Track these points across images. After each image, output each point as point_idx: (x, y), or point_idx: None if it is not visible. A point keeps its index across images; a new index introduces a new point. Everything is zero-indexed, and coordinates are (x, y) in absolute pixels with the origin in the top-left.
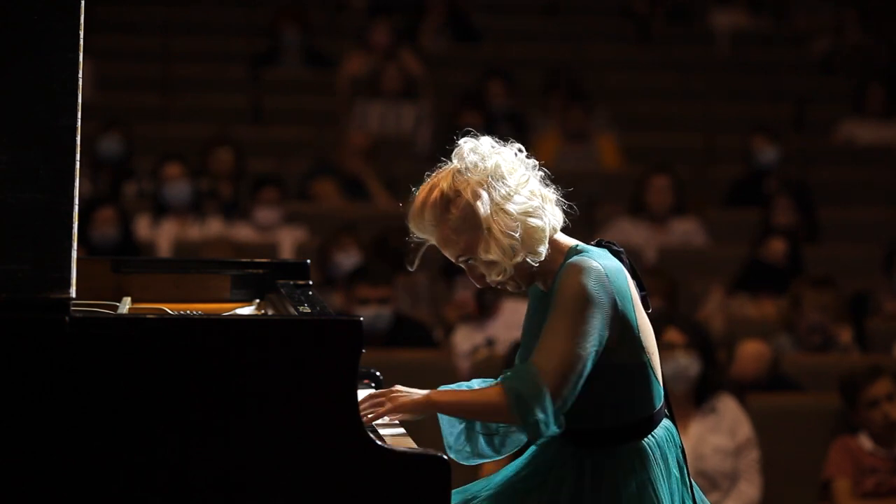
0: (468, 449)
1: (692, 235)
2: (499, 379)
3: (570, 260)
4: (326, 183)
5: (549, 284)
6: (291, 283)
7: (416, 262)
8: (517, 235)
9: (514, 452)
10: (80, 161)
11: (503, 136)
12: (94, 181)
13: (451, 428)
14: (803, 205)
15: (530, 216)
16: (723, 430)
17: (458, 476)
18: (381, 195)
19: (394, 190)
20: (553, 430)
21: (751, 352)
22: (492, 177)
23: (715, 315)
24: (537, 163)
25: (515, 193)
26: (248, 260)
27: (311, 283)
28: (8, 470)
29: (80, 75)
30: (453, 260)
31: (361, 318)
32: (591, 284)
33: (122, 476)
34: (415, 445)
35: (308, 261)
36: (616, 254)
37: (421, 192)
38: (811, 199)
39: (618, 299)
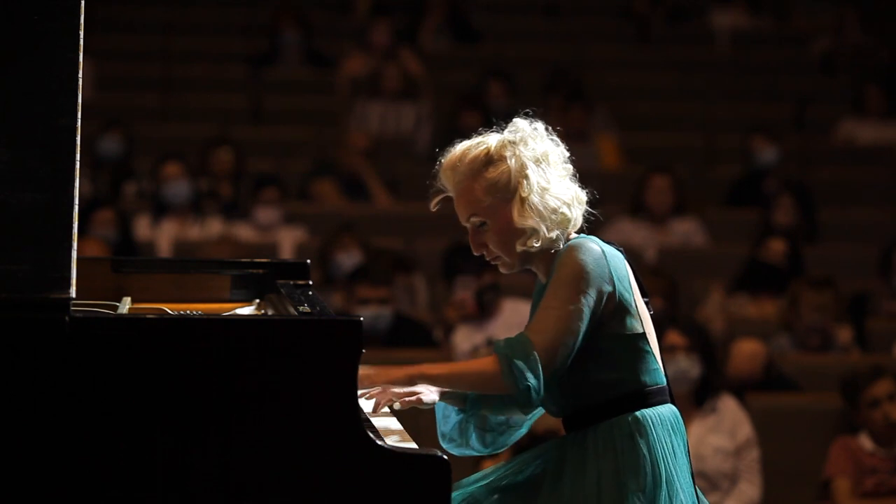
0: (459, 440)
1: (692, 235)
2: (492, 348)
3: (570, 241)
4: (326, 183)
5: (548, 272)
6: (291, 283)
7: (435, 205)
8: (557, 212)
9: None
10: (80, 161)
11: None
12: (94, 181)
13: (445, 418)
14: (803, 205)
15: (565, 205)
16: (723, 430)
17: (458, 475)
18: (381, 195)
19: (394, 190)
20: (538, 399)
21: (746, 351)
22: (541, 157)
23: (715, 315)
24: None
25: (555, 182)
26: (248, 260)
27: (311, 283)
28: (8, 470)
29: (80, 75)
30: (463, 219)
31: (361, 318)
32: (588, 261)
33: (123, 476)
34: (415, 445)
35: (308, 261)
36: (617, 250)
37: (464, 145)
38: (811, 199)
39: (615, 277)
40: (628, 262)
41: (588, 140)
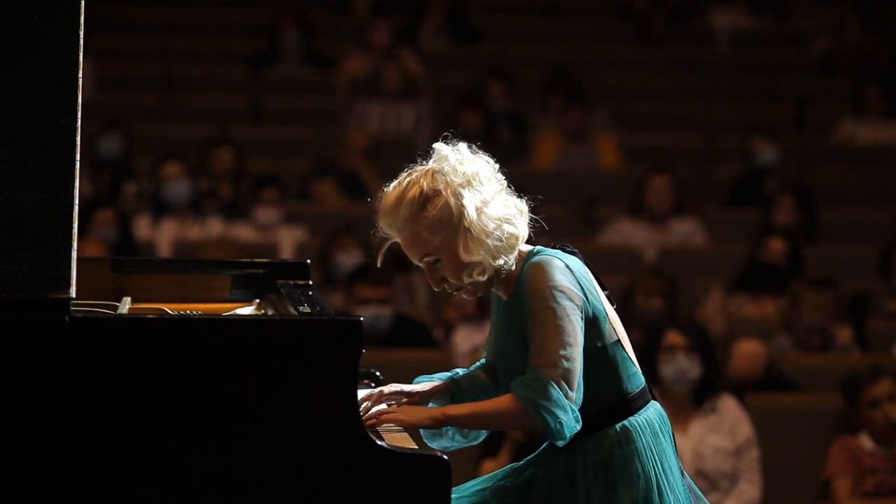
0: (439, 432)
1: (692, 235)
2: (511, 390)
3: (531, 261)
4: (326, 183)
5: (510, 291)
6: (291, 283)
7: (381, 259)
8: (500, 238)
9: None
10: (80, 161)
11: (503, 136)
12: (94, 181)
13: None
14: (803, 205)
15: (507, 222)
16: (723, 430)
17: (458, 476)
18: None
19: None
20: (575, 427)
21: (747, 351)
22: (472, 180)
23: (715, 315)
24: (500, 174)
25: (492, 200)
26: (248, 260)
27: (311, 283)
28: (8, 470)
29: (80, 75)
30: (416, 260)
31: (361, 318)
32: (558, 276)
33: (123, 476)
34: (415, 445)
35: (308, 261)
36: (572, 254)
37: (396, 188)
38: (811, 199)
39: (584, 288)
40: (585, 260)
41: (588, 140)
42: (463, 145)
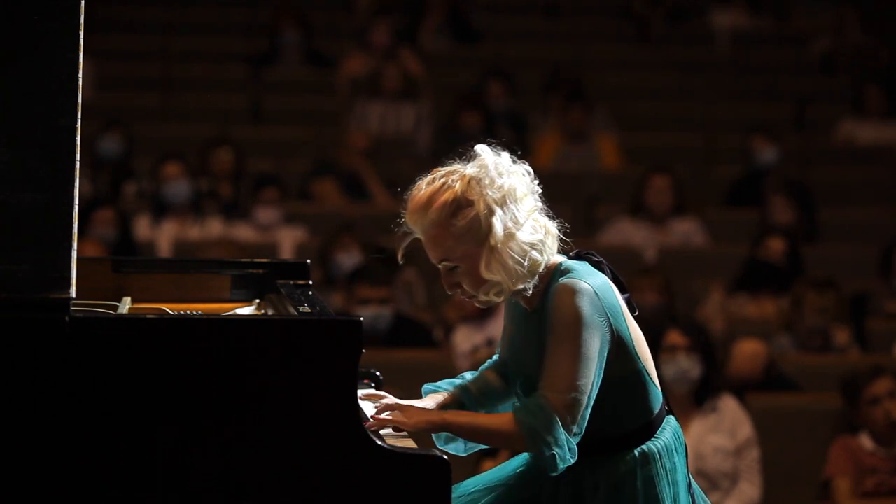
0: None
1: (692, 235)
2: (513, 411)
3: (561, 282)
4: (326, 183)
5: (533, 304)
6: (291, 283)
7: (401, 254)
8: (524, 265)
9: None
10: (80, 161)
11: (503, 136)
12: (94, 181)
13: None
14: (803, 205)
15: (534, 248)
16: (723, 430)
17: (458, 475)
18: (382, 195)
19: (394, 190)
20: (569, 461)
21: (747, 351)
22: (508, 197)
23: (715, 315)
24: (538, 188)
25: (525, 222)
26: (248, 260)
27: (311, 283)
28: (8, 470)
29: (80, 75)
30: (434, 261)
31: (361, 318)
32: (586, 307)
33: (123, 476)
34: (415, 445)
35: (308, 261)
36: (597, 265)
37: (429, 188)
38: (811, 199)
39: (611, 316)
40: (609, 269)
41: (588, 140)
42: (506, 154)
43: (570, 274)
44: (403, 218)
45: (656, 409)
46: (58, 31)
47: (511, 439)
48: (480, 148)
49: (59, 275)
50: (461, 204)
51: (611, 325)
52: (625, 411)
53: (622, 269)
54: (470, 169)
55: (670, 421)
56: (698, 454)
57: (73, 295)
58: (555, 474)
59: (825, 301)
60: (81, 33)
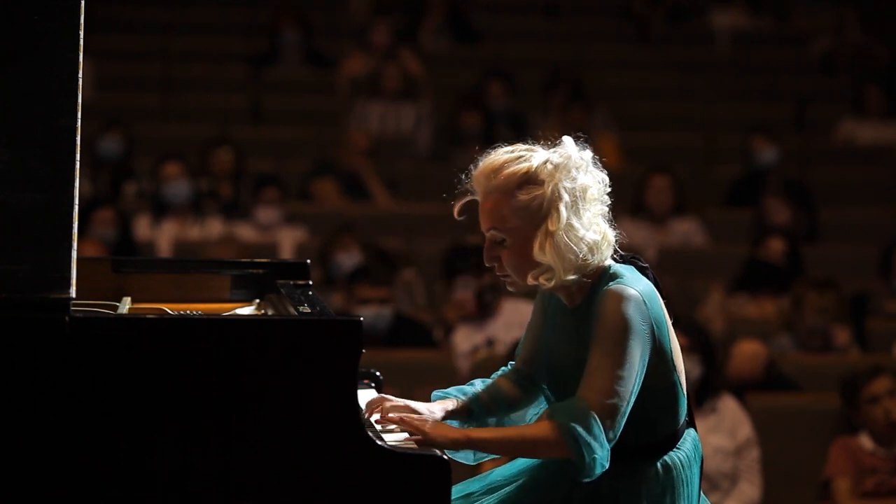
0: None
1: (692, 235)
2: (548, 415)
3: (610, 286)
4: (326, 183)
5: (575, 301)
6: (291, 283)
7: (458, 210)
8: (578, 256)
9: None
10: (80, 161)
11: (503, 136)
12: (94, 181)
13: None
14: (803, 205)
15: (589, 248)
16: (723, 430)
17: (458, 475)
18: (382, 195)
19: (394, 190)
20: (605, 467)
21: (747, 352)
22: (579, 192)
23: (715, 315)
24: (607, 199)
25: (588, 222)
26: (248, 260)
27: (311, 283)
28: (8, 470)
29: (80, 75)
30: (484, 228)
31: (361, 318)
32: (632, 314)
33: (122, 476)
34: (415, 445)
35: (308, 261)
36: (643, 270)
37: (506, 155)
38: (811, 199)
39: (655, 327)
40: (653, 275)
41: (588, 140)
42: (588, 153)
43: (620, 280)
44: (470, 176)
45: (682, 419)
46: (58, 31)
47: (550, 446)
48: (567, 139)
49: (59, 275)
50: (531, 180)
51: (654, 334)
52: (657, 421)
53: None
54: (553, 154)
55: (691, 433)
56: None
57: (73, 295)
58: (588, 480)
59: (826, 301)
60: (81, 33)
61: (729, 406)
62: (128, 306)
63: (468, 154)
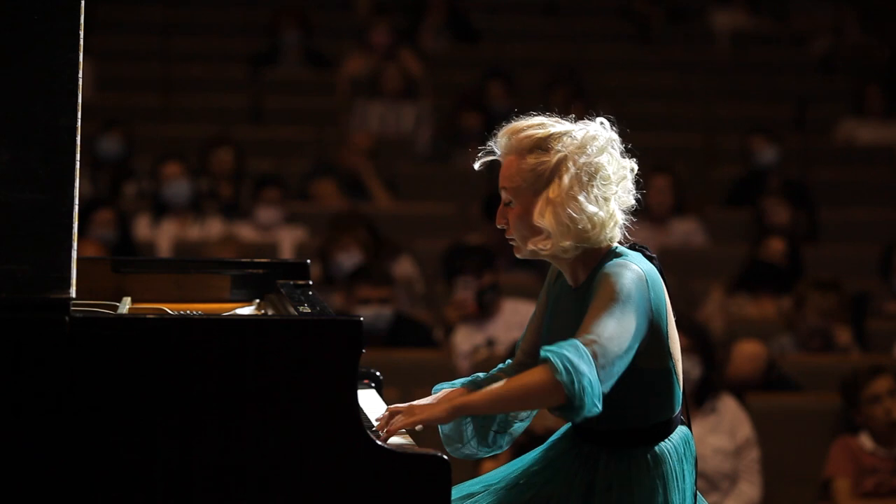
0: (459, 440)
1: (692, 235)
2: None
3: (612, 262)
4: (326, 183)
5: (579, 280)
6: (291, 283)
7: (479, 164)
8: (575, 224)
9: (513, 451)
10: (80, 161)
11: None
12: (94, 181)
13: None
14: (803, 205)
15: (591, 221)
16: (723, 430)
17: (458, 475)
18: (382, 195)
19: (394, 190)
20: (596, 407)
21: (747, 352)
22: (590, 167)
23: (715, 315)
24: (634, 190)
25: (594, 196)
26: (248, 260)
27: (311, 283)
28: (8, 470)
29: (80, 75)
30: (500, 186)
31: (361, 318)
32: (632, 286)
33: (122, 476)
34: (415, 445)
35: (308, 261)
36: (650, 259)
37: (535, 120)
38: (811, 199)
39: (653, 305)
40: (659, 267)
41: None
42: (618, 141)
43: (624, 257)
44: (496, 136)
45: (676, 411)
46: (58, 31)
47: (541, 385)
48: (600, 121)
49: (59, 275)
50: (542, 146)
51: (652, 313)
52: (650, 406)
53: None
54: (577, 129)
55: (684, 429)
56: (698, 454)
57: (73, 295)
58: (582, 416)
59: (827, 302)
60: (81, 33)
61: (729, 406)
62: (128, 306)
63: (468, 154)
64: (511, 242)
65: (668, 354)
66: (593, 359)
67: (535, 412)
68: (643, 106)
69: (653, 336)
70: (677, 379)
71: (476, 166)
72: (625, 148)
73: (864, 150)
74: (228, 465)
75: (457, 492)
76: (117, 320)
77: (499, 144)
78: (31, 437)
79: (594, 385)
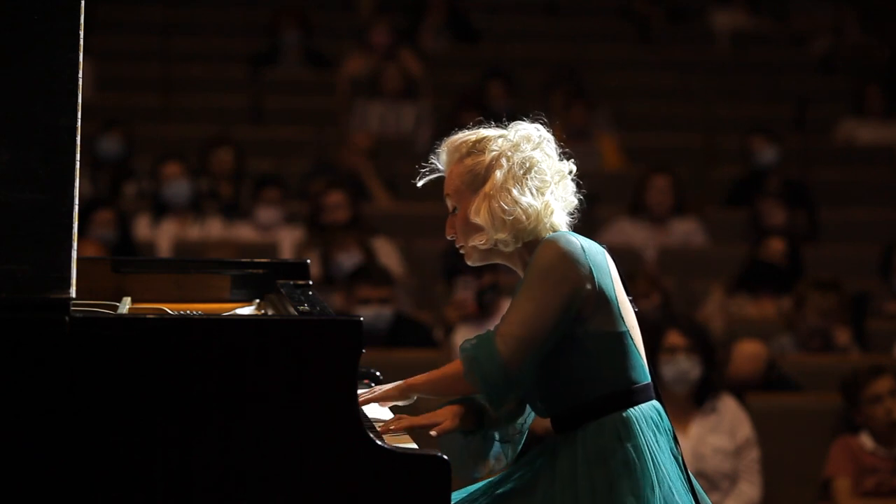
0: (471, 461)
1: (692, 235)
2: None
3: (548, 235)
4: (336, 194)
5: (524, 269)
6: (291, 283)
7: (421, 182)
8: (510, 217)
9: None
10: (80, 161)
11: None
12: (94, 181)
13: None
14: (803, 205)
15: (526, 212)
16: (723, 430)
17: (457, 478)
18: (382, 195)
19: (394, 190)
20: (510, 392)
21: (747, 352)
22: (524, 162)
23: (715, 315)
24: (576, 190)
25: (528, 189)
26: (248, 260)
27: (311, 283)
28: (8, 470)
29: (80, 75)
30: (445, 194)
31: (361, 318)
32: (564, 253)
33: (123, 476)
34: (415, 445)
35: (308, 261)
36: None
37: (469, 131)
38: (811, 199)
39: (594, 271)
40: (612, 260)
41: (589, 140)
42: (548, 135)
43: (560, 232)
44: (437, 153)
45: (640, 381)
46: (58, 31)
47: (460, 380)
48: (525, 122)
49: (59, 275)
50: (477, 149)
51: (593, 278)
52: (608, 371)
53: (622, 269)
54: (509, 131)
55: (654, 404)
56: (698, 454)
57: (73, 295)
58: (493, 405)
59: (828, 302)
60: (81, 33)
61: (729, 406)
62: (128, 306)
63: None
64: (461, 251)
65: (619, 318)
66: (499, 351)
67: (529, 422)
68: (643, 106)
69: (599, 299)
70: (635, 346)
71: (419, 184)
72: (562, 151)
73: (864, 150)
74: (228, 465)
75: (456, 494)
76: (117, 320)
77: (440, 160)
78: (31, 437)
79: (497, 375)
